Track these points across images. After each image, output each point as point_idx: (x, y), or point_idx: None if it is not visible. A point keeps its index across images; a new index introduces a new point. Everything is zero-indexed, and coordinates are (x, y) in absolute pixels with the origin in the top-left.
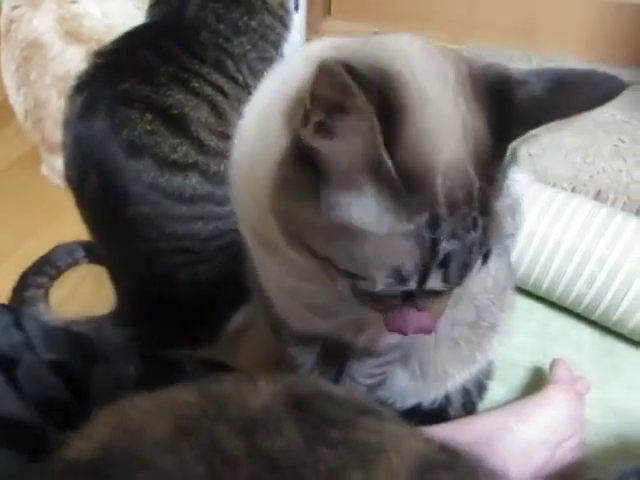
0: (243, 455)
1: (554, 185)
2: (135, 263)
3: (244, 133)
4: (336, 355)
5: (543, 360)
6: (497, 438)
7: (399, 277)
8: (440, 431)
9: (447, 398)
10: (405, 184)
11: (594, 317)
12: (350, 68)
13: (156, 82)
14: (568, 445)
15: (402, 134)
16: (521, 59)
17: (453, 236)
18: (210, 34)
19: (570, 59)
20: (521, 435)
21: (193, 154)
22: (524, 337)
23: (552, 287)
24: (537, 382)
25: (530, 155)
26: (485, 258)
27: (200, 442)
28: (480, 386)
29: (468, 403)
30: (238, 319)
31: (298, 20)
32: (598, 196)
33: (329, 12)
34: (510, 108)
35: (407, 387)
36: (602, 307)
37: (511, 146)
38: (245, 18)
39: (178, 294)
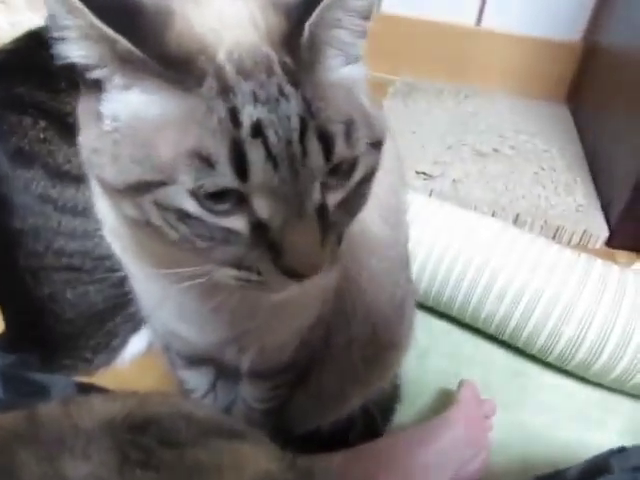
0: None
1: (475, 209)
2: (20, 280)
3: None
4: (229, 380)
5: (455, 382)
6: (398, 462)
7: (203, 160)
8: (342, 457)
9: (349, 421)
10: (178, 65)
11: (505, 337)
12: None
13: (55, 88)
14: (470, 467)
15: (169, 28)
16: (450, 92)
17: (257, 102)
18: None
19: (497, 92)
20: (421, 458)
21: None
22: (437, 359)
23: (463, 306)
24: (447, 404)
25: (454, 181)
26: (326, 144)
27: None
28: (385, 408)
29: (371, 426)
30: (138, 341)
31: None
32: (517, 220)
33: None
34: None
35: (304, 410)
36: (511, 326)
37: (309, 24)
38: None
39: (67, 315)
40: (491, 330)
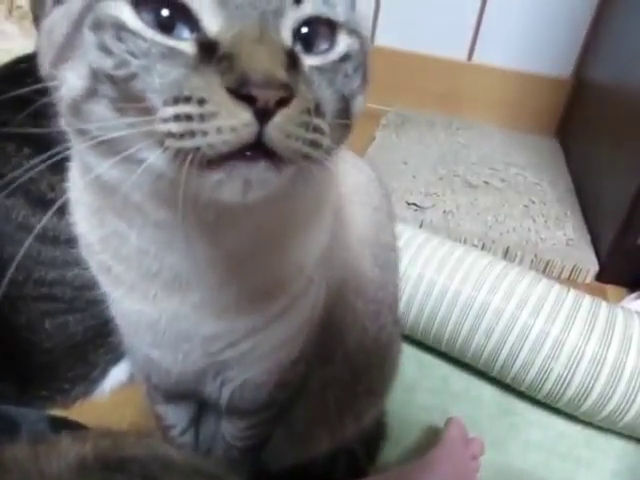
0: None
1: (465, 241)
2: None
3: None
4: (209, 417)
5: (442, 418)
6: None
7: None
8: None
9: (332, 459)
10: None
11: (494, 373)
12: None
13: (40, 114)
14: None
15: None
16: (442, 124)
17: None
18: None
19: (488, 125)
20: None
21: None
22: (424, 395)
23: (451, 340)
24: (433, 442)
25: (445, 212)
26: None
27: None
28: (370, 447)
29: (355, 465)
30: (118, 373)
31: None
32: (507, 253)
33: None
34: None
35: (275, 446)
36: (500, 361)
37: None
38: None
39: (45, 345)
40: (480, 365)
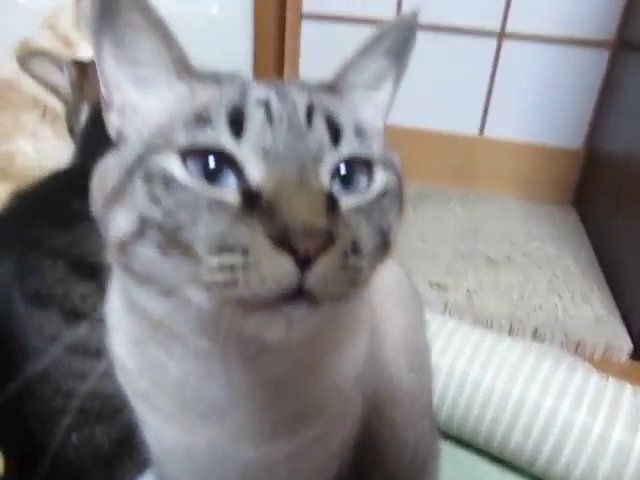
0: None
1: (492, 323)
2: (24, 424)
3: None
4: None
5: None
6: None
7: (200, 118)
8: None
9: None
10: None
11: (537, 472)
12: None
13: (74, 229)
14: None
15: None
16: (458, 198)
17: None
18: None
19: (504, 197)
20: None
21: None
22: None
23: (489, 439)
24: None
25: (468, 291)
26: (334, 127)
27: None
28: None
29: None
30: None
31: None
32: (536, 334)
33: None
34: None
35: None
36: (542, 460)
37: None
38: None
39: (70, 458)
40: (522, 464)
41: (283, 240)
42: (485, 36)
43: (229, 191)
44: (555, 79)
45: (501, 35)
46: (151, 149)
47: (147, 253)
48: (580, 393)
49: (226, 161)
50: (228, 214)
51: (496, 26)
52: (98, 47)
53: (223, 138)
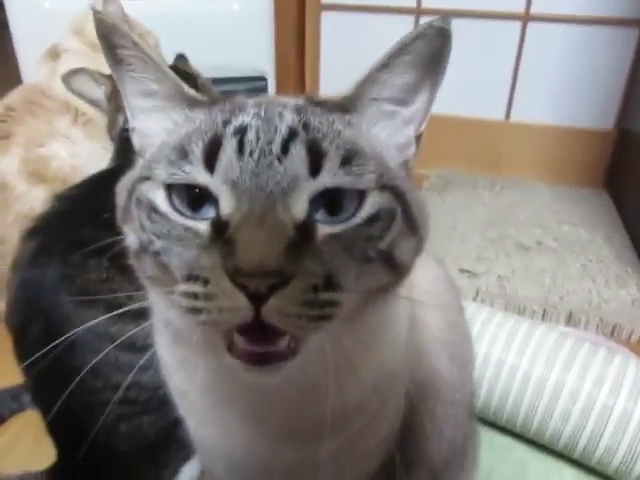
0: None
1: (524, 308)
2: (74, 415)
3: None
4: None
5: None
6: None
7: (180, 152)
8: None
9: None
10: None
11: (575, 456)
12: None
13: (116, 227)
14: None
15: None
16: (485, 184)
17: (255, 116)
18: None
19: (532, 182)
20: None
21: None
22: None
23: (526, 425)
24: None
25: (499, 277)
26: (315, 158)
27: None
28: None
29: None
30: (189, 470)
31: None
32: (570, 318)
33: None
34: None
35: None
36: (581, 445)
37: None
38: None
39: (120, 448)
40: (559, 449)
41: (235, 278)
42: (509, 19)
43: (204, 222)
44: (582, 60)
45: (525, 17)
46: (142, 176)
47: (151, 266)
48: (619, 378)
49: (204, 193)
50: (198, 244)
51: (520, 8)
52: (114, 77)
53: (198, 172)
